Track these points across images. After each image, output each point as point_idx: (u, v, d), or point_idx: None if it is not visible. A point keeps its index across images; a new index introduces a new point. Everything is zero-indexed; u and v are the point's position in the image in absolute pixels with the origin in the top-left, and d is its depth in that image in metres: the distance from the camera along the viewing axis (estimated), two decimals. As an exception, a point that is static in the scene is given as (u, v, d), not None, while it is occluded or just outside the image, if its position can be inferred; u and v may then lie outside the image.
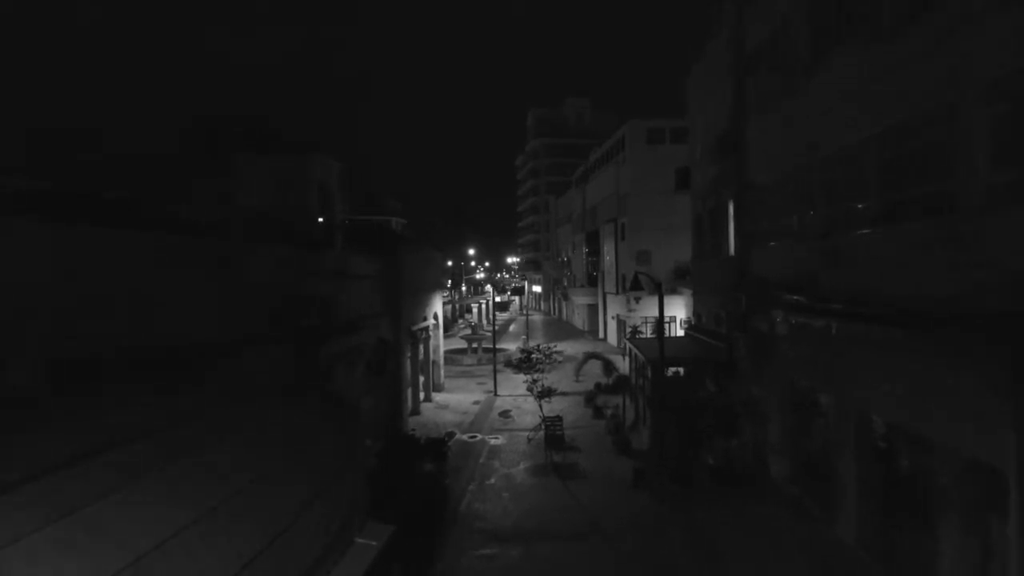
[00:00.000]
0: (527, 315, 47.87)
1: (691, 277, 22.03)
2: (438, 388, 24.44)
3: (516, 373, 29.10)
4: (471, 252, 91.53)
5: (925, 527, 9.01)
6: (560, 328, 51.60)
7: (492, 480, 14.55)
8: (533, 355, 16.78)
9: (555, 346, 17.34)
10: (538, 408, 20.97)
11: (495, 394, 24.14)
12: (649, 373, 17.60)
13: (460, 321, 53.50)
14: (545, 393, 16.57)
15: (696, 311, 21.72)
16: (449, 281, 66.51)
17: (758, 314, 14.12)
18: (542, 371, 16.69)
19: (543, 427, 17.14)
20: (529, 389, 16.86)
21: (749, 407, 14.52)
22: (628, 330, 30.19)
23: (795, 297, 12.46)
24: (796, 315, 12.09)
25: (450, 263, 73.40)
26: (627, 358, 22.34)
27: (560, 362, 19.16)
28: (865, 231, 9.84)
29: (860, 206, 10.02)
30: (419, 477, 13.07)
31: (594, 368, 22.66)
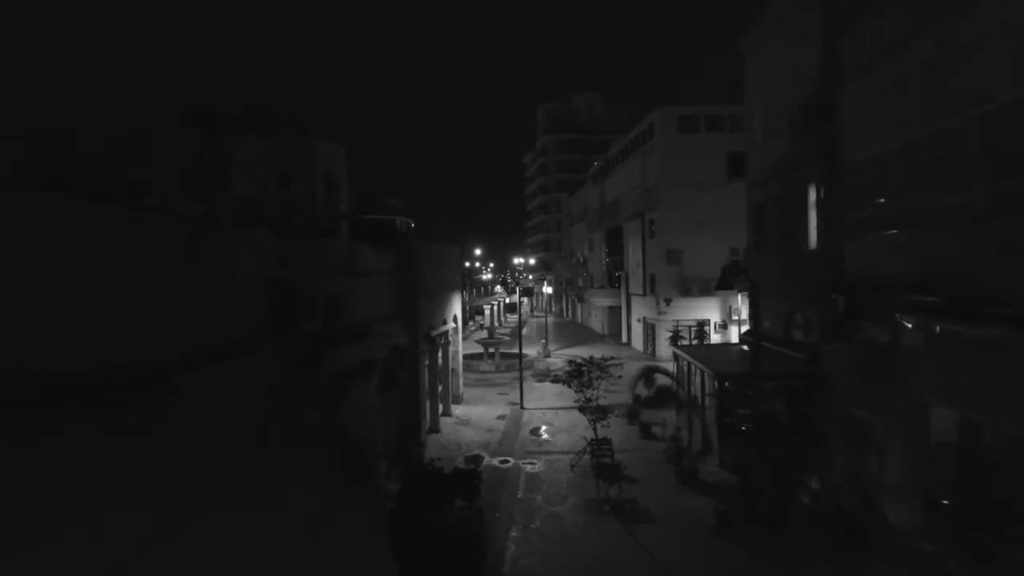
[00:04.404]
0: (545, 317, 45.04)
1: (747, 276, 19.25)
2: (457, 400, 21.72)
3: (541, 382, 26.64)
4: (477, 252, 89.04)
5: None
6: (576, 331, 48.87)
7: (537, 523, 11.83)
8: (584, 367, 14.05)
9: (611, 358, 14.59)
10: (574, 424, 18.33)
11: (521, 407, 21.42)
12: (715, 390, 14.85)
13: (470, 323, 50.85)
14: (601, 414, 13.83)
15: (753, 315, 18.97)
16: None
17: (869, 320, 11.40)
18: (596, 387, 13.95)
19: (589, 451, 14.43)
20: (581, 409, 14.12)
21: (851, 435, 11.79)
22: (667, 335, 27.36)
23: (930, 299, 9.75)
24: (943, 322, 9.36)
25: (456, 262, 70.58)
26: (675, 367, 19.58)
27: (619, 377, 16.39)
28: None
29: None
30: (450, 524, 10.39)
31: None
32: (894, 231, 11.03)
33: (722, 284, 11.68)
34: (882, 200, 11.44)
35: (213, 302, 6.44)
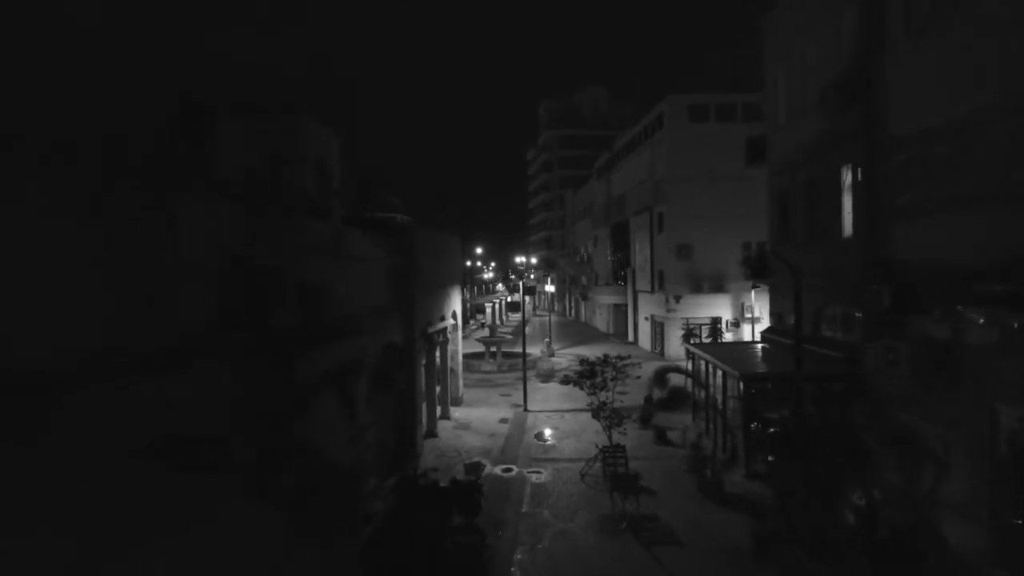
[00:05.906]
0: (548, 315, 43.64)
1: (788, 262, 17.82)
2: (457, 402, 20.38)
3: (545, 383, 25.34)
4: (478, 251, 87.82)
5: None
6: (579, 330, 47.55)
7: (545, 542, 10.48)
8: (597, 367, 12.69)
9: (627, 357, 13.22)
10: (582, 428, 17.09)
11: (525, 409, 20.08)
12: (741, 393, 13.51)
13: (471, 322, 49.52)
14: (616, 420, 12.48)
15: (776, 311, 17.61)
16: (458, 279, 62.35)
17: (923, 313, 10.05)
18: (611, 390, 12.59)
19: (600, 459, 13.10)
20: (595, 415, 12.77)
21: (901, 444, 10.46)
22: (680, 333, 26.05)
23: (1002, 287, 8.41)
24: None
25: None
26: (690, 366, 18.26)
27: (637, 378, 15.02)
28: None
29: None
30: (449, 548, 9.07)
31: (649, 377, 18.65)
32: (953, 212, 9.67)
33: (756, 272, 10.33)
34: (938, 178, 10.09)
35: (146, 289, 5.13)
